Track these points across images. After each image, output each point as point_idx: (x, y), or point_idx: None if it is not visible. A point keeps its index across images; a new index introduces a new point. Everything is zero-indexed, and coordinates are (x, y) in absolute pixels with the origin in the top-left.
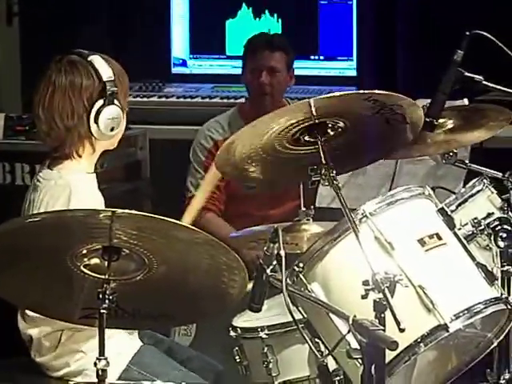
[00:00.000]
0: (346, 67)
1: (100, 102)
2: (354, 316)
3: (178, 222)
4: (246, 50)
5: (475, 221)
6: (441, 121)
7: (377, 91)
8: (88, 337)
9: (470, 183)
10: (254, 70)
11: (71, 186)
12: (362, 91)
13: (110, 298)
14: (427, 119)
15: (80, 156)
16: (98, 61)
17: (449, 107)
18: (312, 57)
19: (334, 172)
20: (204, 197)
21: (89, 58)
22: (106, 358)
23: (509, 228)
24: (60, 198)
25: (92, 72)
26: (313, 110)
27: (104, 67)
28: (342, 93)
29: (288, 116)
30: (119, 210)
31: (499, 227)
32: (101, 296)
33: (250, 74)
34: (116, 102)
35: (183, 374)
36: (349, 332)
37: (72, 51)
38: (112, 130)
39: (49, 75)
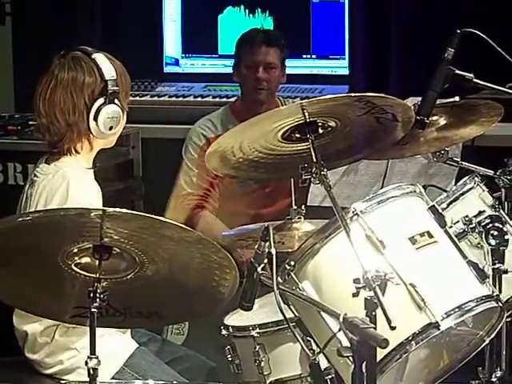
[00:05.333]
0: (338, 66)
1: (101, 101)
2: (345, 314)
3: (168, 220)
4: (241, 45)
5: (466, 219)
6: (433, 118)
7: (368, 94)
8: (82, 334)
9: (462, 181)
10: (251, 66)
11: (69, 178)
12: (353, 94)
13: (101, 296)
14: (418, 117)
15: (78, 152)
16: (101, 59)
17: (440, 104)
18: (304, 55)
19: (325, 170)
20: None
21: (93, 56)
22: (97, 357)
23: (500, 226)
24: (58, 190)
25: (95, 70)
26: (305, 113)
27: (107, 66)
28: (333, 96)
29: (280, 118)
30: (110, 209)
31: (490, 225)
32: (92, 295)
33: (246, 69)
34: (116, 101)
35: (176, 379)
36: (339, 330)
37: (76, 48)
38: (111, 128)
39: (51, 70)
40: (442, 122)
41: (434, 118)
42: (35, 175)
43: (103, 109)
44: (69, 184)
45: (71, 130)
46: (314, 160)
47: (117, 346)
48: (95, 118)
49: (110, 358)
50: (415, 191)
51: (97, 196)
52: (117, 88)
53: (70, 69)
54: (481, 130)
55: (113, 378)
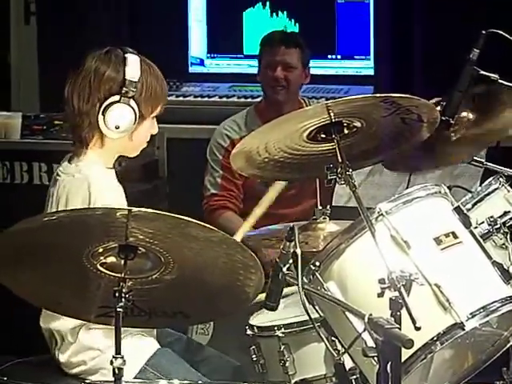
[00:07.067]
0: (364, 66)
1: (115, 98)
2: (370, 314)
3: (193, 220)
4: (262, 46)
5: (491, 219)
6: (460, 115)
7: (393, 94)
8: (105, 335)
9: (487, 182)
10: (269, 65)
11: (89, 179)
12: (378, 95)
13: (127, 296)
14: (443, 118)
15: (88, 145)
16: (132, 59)
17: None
18: (329, 56)
19: (351, 171)
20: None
21: (126, 54)
22: (122, 357)
23: None
24: (79, 192)
25: (120, 67)
26: (331, 114)
27: (134, 67)
28: (358, 96)
29: (305, 118)
30: (135, 209)
31: None
32: (117, 295)
33: (265, 68)
34: (132, 103)
35: (198, 378)
36: (364, 330)
37: (120, 46)
38: (117, 128)
39: (85, 58)
40: (470, 116)
41: (462, 114)
42: (58, 174)
43: (114, 105)
44: (90, 185)
45: (82, 120)
46: (340, 160)
47: (139, 345)
48: (104, 113)
49: (132, 358)
50: (440, 192)
51: (120, 195)
52: (134, 90)
53: (99, 59)
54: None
55: (135, 377)
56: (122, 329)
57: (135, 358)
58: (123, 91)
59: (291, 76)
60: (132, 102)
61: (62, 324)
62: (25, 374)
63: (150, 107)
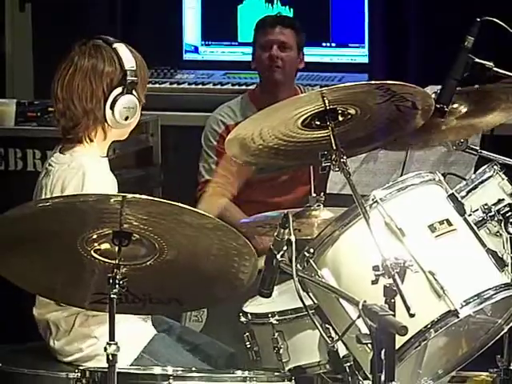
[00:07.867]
0: (358, 54)
1: (118, 90)
2: (364, 301)
3: (187, 206)
4: (256, 29)
5: (485, 207)
6: (453, 106)
7: (388, 82)
8: (101, 322)
9: (481, 169)
10: (265, 45)
11: (84, 168)
12: (373, 82)
13: (121, 283)
14: (438, 105)
15: (91, 141)
16: (122, 49)
17: (459, 90)
18: (324, 43)
19: (345, 158)
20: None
21: (114, 45)
22: (116, 343)
23: None
24: (73, 180)
25: (115, 59)
26: (325, 101)
27: (127, 56)
28: (353, 83)
29: (300, 105)
30: (129, 195)
31: (509, 213)
32: (111, 281)
33: (261, 49)
34: (134, 92)
35: (197, 364)
36: (359, 317)
37: (97, 36)
38: (126, 119)
39: (71, 56)
40: (463, 110)
41: (455, 106)
42: (50, 164)
43: (120, 98)
44: (84, 174)
45: (87, 117)
46: (334, 147)
47: (135, 332)
48: (112, 107)
49: (128, 345)
50: (434, 179)
51: (111, 186)
52: (135, 79)
53: (91, 56)
54: (503, 117)
55: (131, 364)
56: (120, 316)
57: (132, 345)
58: (128, 81)
59: (287, 56)
60: (134, 91)
61: (56, 313)
62: (19, 361)
63: (142, 89)
